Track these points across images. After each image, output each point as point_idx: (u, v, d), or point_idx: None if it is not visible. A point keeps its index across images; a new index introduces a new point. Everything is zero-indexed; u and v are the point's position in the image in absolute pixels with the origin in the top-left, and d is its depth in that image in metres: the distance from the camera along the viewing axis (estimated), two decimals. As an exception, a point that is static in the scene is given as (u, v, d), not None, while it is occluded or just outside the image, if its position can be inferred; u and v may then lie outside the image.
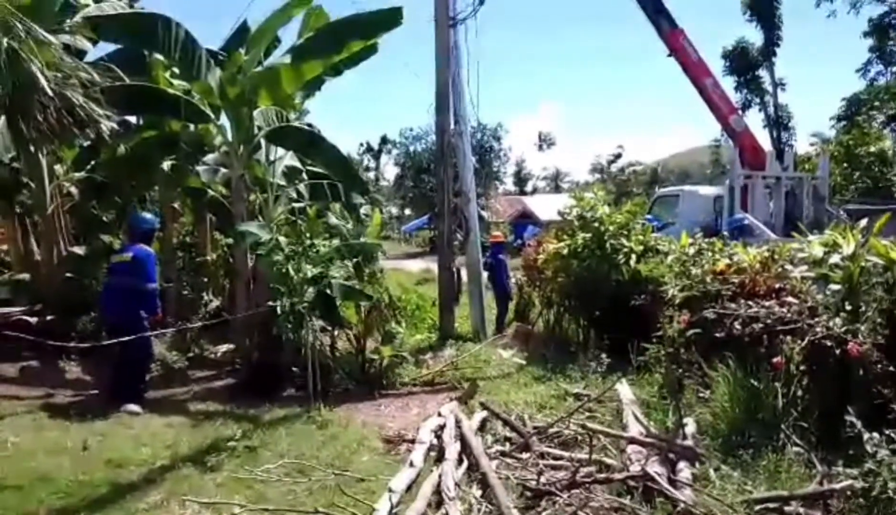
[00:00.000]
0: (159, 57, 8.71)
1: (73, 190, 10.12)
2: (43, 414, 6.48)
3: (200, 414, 6.74)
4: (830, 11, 31.17)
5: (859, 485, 3.84)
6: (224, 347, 9.67)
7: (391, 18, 8.53)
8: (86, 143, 9.62)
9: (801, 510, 3.94)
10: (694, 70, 16.45)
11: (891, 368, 4.84)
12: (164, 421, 6.48)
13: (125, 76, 8.41)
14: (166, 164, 9.87)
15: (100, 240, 10.04)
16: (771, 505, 4.02)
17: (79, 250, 9.47)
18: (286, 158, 9.65)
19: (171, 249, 11.46)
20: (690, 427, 5.30)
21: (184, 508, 4.33)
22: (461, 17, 10.61)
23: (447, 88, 10.41)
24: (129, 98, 8.17)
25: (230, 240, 11.33)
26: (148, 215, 8.44)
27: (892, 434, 3.91)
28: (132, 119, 9.79)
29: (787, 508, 4.00)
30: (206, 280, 11.75)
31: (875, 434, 3.93)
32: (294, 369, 7.78)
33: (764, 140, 24.02)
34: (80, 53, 8.47)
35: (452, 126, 10.54)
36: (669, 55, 16.43)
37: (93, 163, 10.09)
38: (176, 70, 9.01)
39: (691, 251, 7.45)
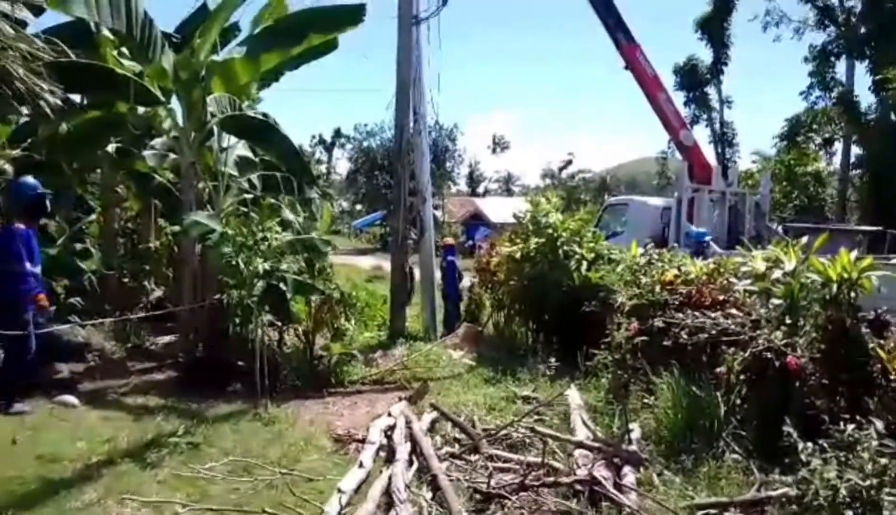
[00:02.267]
0: (107, 34, 8.35)
1: (8, 168, 9.59)
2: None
3: (140, 408, 6.50)
4: (776, 36, 32.61)
5: (793, 493, 4.01)
6: (166, 339, 9.38)
7: (353, 15, 8.42)
8: (23, 120, 9.14)
9: (740, 515, 4.09)
10: (648, 84, 16.89)
11: (825, 381, 5.08)
12: (101, 414, 6.21)
13: (70, 52, 8.05)
14: (111, 147, 9.47)
15: (34, 221, 9.57)
16: (712, 511, 4.16)
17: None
18: (238, 147, 9.40)
19: (112, 235, 11.03)
20: (636, 432, 5.43)
21: (122, 506, 4.16)
22: (424, 15, 10.59)
23: (408, 86, 10.37)
24: (74, 75, 7.76)
25: (176, 229, 11.00)
26: (29, 180, 6.92)
27: (825, 444, 4.10)
28: (76, 97, 9.36)
29: (726, 513, 4.14)
30: (148, 268, 11.36)
31: (809, 444, 4.12)
32: (240, 364, 7.60)
33: (710, 155, 24.83)
34: (21, 24, 8.04)
35: (412, 124, 10.50)
36: (626, 68, 16.81)
37: (30, 140, 9.59)
38: (125, 49, 8.66)
39: (642, 261, 7.63)
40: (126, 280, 11.07)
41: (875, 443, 3.90)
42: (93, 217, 11.21)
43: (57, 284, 9.48)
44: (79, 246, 10.32)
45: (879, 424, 4.08)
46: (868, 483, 3.72)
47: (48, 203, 6.50)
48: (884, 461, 3.79)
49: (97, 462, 4.93)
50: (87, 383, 7.24)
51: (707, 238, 12.74)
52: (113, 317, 8.74)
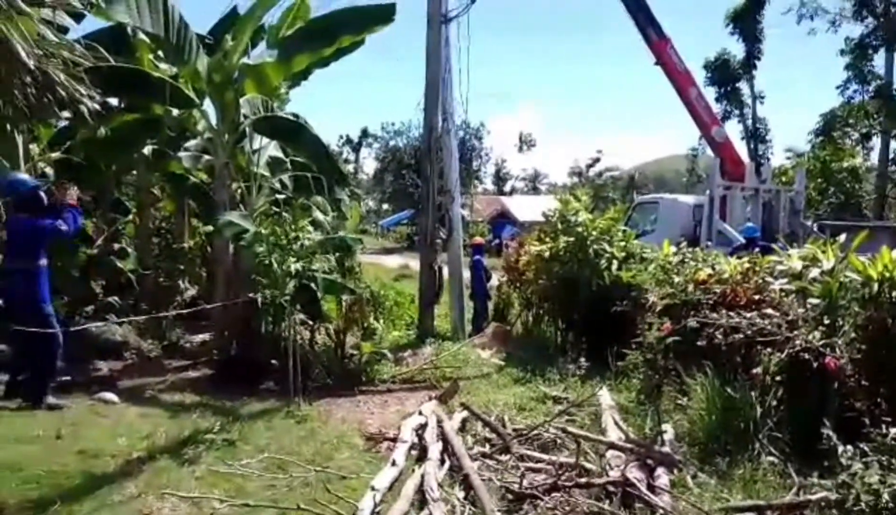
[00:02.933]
0: (144, 38, 8.54)
1: (49, 170, 9.88)
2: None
3: (177, 405, 6.64)
4: (811, 29, 31.86)
5: (834, 497, 3.93)
6: (200, 337, 9.57)
7: (384, 15, 8.48)
8: (63, 123, 9.40)
9: (777, 519, 4.03)
10: (679, 80, 16.65)
11: (865, 383, 4.97)
12: (140, 410, 6.37)
13: (108, 56, 8.25)
14: (147, 148, 9.70)
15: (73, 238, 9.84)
16: (748, 514, 4.10)
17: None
18: (270, 148, 9.54)
19: (147, 235, 11.28)
20: (668, 433, 5.36)
21: (162, 501, 4.26)
22: (452, 14, 10.60)
23: (437, 85, 10.39)
24: (113, 79, 7.98)
25: (209, 229, 11.21)
26: (20, 175, 6.85)
27: (865, 448, 4.01)
28: (113, 100, 9.59)
29: (762, 517, 4.08)
30: (182, 268, 11.59)
31: (849, 447, 4.03)
32: (273, 362, 7.71)
33: (742, 152, 24.40)
34: (62, 30, 8.27)
35: (441, 123, 10.52)
36: (656, 63, 16.60)
37: (69, 143, 9.87)
38: (160, 53, 8.85)
39: (674, 260, 7.53)
40: (161, 279, 11.31)
41: (919, 447, 3.81)
42: (129, 217, 11.49)
43: (95, 284, 9.76)
44: (116, 246, 10.60)
45: (923, 428, 3.97)
46: (912, 488, 3.63)
47: (43, 195, 6.50)
48: (929, 466, 3.71)
49: (137, 457, 5.05)
50: (126, 380, 7.42)
51: (756, 234, 12.53)
52: (149, 316, 8.95)
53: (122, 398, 6.70)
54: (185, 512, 4.19)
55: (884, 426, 4.07)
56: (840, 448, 4.03)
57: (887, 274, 5.00)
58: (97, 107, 7.71)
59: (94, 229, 10.50)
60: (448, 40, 10.52)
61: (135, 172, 10.97)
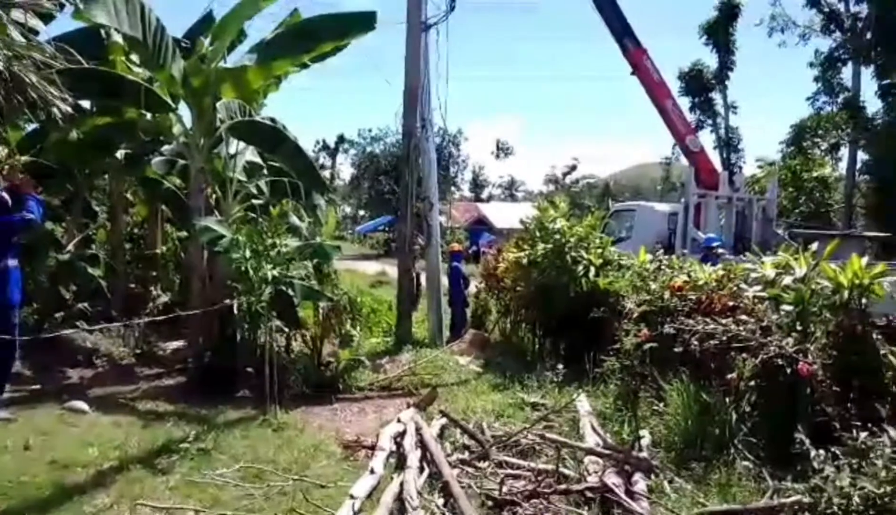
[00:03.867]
0: (118, 40, 8.42)
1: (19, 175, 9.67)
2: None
3: (150, 414, 6.52)
4: (782, 41, 32.62)
5: (807, 500, 4.00)
6: (174, 344, 9.42)
7: (364, 22, 8.46)
8: (32, 127, 9.21)
9: (753, 523, 4.08)
10: (655, 89, 16.89)
11: (836, 388, 5.06)
12: (112, 419, 6.24)
13: (80, 59, 8.10)
14: (120, 153, 9.55)
15: (43, 227, 9.61)
16: (724, 518, 4.14)
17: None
18: (247, 153, 9.45)
19: (119, 240, 11.09)
20: (646, 439, 5.42)
21: (135, 512, 4.17)
22: (431, 21, 10.63)
23: (416, 92, 10.40)
24: (85, 81, 7.84)
25: (183, 234, 11.06)
26: None
27: (837, 452, 4.09)
28: (85, 103, 9.42)
29: (739, 521, 4.13)
30: (155, 274, 11.41)
31: (821, 452, 4.11)
32: (249, 370, 7.62)
33: (715, 161, 24.81)
34: (33, 32, 8.11)
35: (419, 130, 10.52)
36: (633, 73, 16.82)
37: (39, 146, 9.66)
38: (134, 56, 8.72)
39: (651, 267, 7.62)
40: (133, 286, 11.12)
41: (889, 451, 3.89)
42: (100, 223, 11.29)
43: (66, 290, 9.55)
44: (87, 251, 10.40)
45: (893, 432, 4.06)
46: (882, 490, 3.71)
47: (5, 196, 6.28)
48: (897, 469, 3.79)
49: (109, 467, 4.95)
50: (97, 388, 7.27)
51: (716, 243, 12.70)
52: (120, 323, 8.78)
53: (94, 407, 6.55)
54: (159, 523, 4.11)
55: (854, 430, 4.15)
56: (812, 452, 4.11)
57: (857, 282, 5.13)
58: (69, 109, 7.58)
59: (64, 234, 10.29)
60: (427, 47, 10.54)
61: (107, 177, 10.79)
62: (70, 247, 9.96)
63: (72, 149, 8.85)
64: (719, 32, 33.56)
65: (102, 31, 8.37)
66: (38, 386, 6.96)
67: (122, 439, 5.58)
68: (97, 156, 9.20)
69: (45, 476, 4.72)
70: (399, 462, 5.12)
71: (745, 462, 4.85)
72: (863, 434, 4.06)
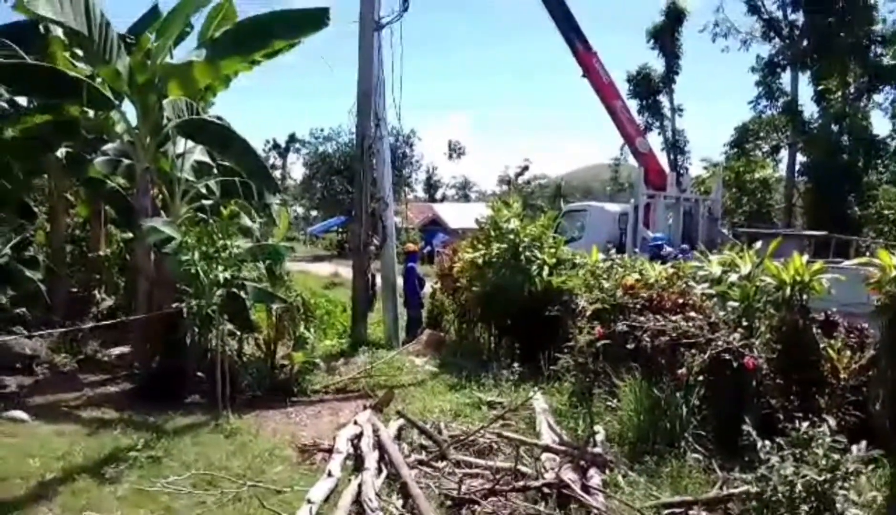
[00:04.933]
0: (59, 35, 8.09)
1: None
2: None
3: (95, 422, 6.27)
4: (725, 47, 33.81)
5: (754, 490, 4.14)
6: (119, 350, 9.10)
7: (317, 19, 8.35)
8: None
9: (704, 513, 4.21)
10: (605, 91, 17.25)
11: (780, 381, 5.28)
12: (54, 428, 5.98)
13: (18, 53, 7.75)
14: (61, 151, 9.16)
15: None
16: (676, 510, 4.26)
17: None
18: (195, 152, 9.21)
19: (60, 242, 10.66)
20: (600, 435, 5.52)
21: (81, 524, 4.01)
22: (385, 21, 10.58)
23: (370, 91, 10.32)
24: (22, 76, 7.52)
25: (128, 236, 10.70)
26: None
27: (781, 442, 4.25)
28: (22, 100, 9.02)
29: (690, 512, 4.25)
30: (98, 277, 11.01)
31: (767, 442, 4.26)
32: (199, 374, 7.42)
33: (663, 162, 25.49)
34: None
35: (373, 130, 10.45)
36: (583, 76, 17.14)
37: (-29, 144, 9.21)
38: (78, 50, 8.39)
39: (603, 265, 7.76)
40: (75, 289, 10.70)
41: (828, 440, 4.06)
42: (38, 224, 10.82)
43: (2, 294, 9.11)
44: (25, 254, 9.94)
45: (831, 421, 4.25)
46: (822, 478, 3.87)
47: None
48: (836, 456, 3.96)
49: (52, 478, 4.75)
50: (37, 397, 6.96)
51: (662, 242, 13.04)
52: (62, 328, 8.43)
53: (34, 416, 6.27)
54: (107, 535, 3.96)
55: (797, 421, 4.32)
56: (759, 443, 4.25)
57: (798, 278, 5.35)
58: (4, 105, 7.25)
59: (-1, 236, 9.83)
60: (381, 47, 10.48)
61: (46, 176, 10.35)
62: (6, 249, 9.51)
63: (7, 148, 8.46)
64: (665, 37, 34.52)
65: (41, 25, 8.03)
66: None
67: (65, 448, 5.35)
68: (35, 154, 8.83)
69: (-20, 490, 4.48)
70: (357, 464, 5.08)
71: (696, 455, 5.01)
72: (804, 425, 4.23)
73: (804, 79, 30.47)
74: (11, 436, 5.71)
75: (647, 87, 35.89)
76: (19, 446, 5.43)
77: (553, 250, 9.23)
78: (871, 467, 4.32)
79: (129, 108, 8.51)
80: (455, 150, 66.46)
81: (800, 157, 30.90)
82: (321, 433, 6.20)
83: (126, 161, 8.94)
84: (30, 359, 8.13)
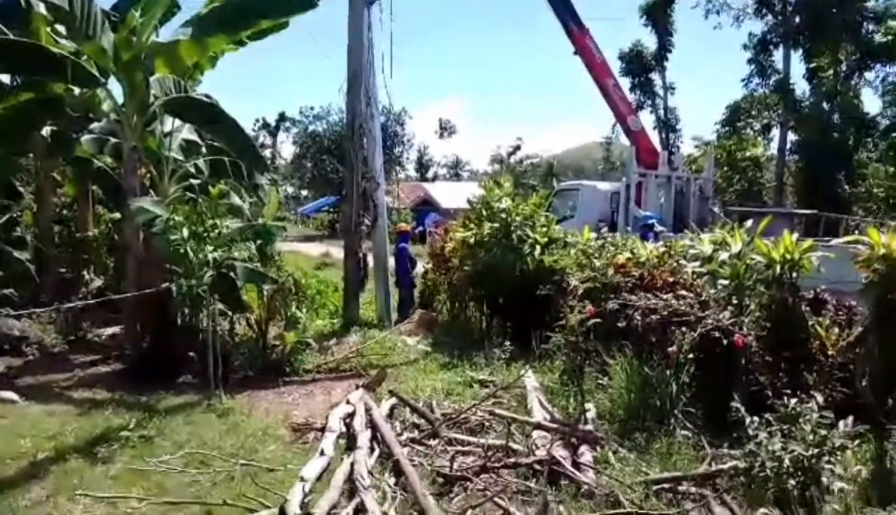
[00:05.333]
0: (42, 11, 7.91)
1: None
2: None
3: (87, 402, 6.27)
4: (717, 24, 33.63)
5: (742, 465, 4.21)
6: (110, 330, 9.08)
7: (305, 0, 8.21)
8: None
9: (693, 489, 4.26)
10: (597, 70, 17.14)
11: (769, 358, 5.32)
12: (45, 408, 5.97)
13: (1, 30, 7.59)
14: (46, 130, 9.02)
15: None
16: (666, 485, 4.31)
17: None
18: (183, 131, 9.10)
19: (47, 223, 10.55)
20: (591, 412, 5.56)
21: (74, 503, 4.01)
22: (376, -3, 10.42)
23: (360, 70, 10.21)
24: (5, 54, 7.37)
25: (116, 216, 10.61)
26: None
27: (770, 418, 4.31)
28: (5, 78, 8.85)
29: (680, 487, 4.30)
30: (87, 257, 10.93)
31: (755, 418, 4.32)
32: (190, 354, 7.41)
33: (655, 140, 25.46)
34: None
35: (364, 109, 10.35)
36: (575, 53, 17.01)
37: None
38: (61, 28, 8.22)
39: (595, 245, 7.77)
40: (64, 269, 10.62)
41: (815, 416, 4.13)
42: (25, 204, 10.70)
43: (-11, 275, 9.05)
44: (13, 234, 9.85)
45: (819, 397, 4.31)
46: (810, 453, 3.94)
47: None
48: (823, 432, 4.03)
49: (44, 458, 4.75)
50: (28, 378, 6.94)
51: (652, 220, 13.06)
52: (51, 309, 8.38)
53: (24, 396, 6.26)
54: (100, 513, 3.96)
55: (785, 397, 4.38)
56: (748, 420, 4.31)
57: (788, 257, 5.37)
58: (-13, 84, 7.11)
59: (-16, 218, 9.72)
60: (371, 24, 10.34)
61: (32, 156, 10.21)
62: (-8, 230, 9.42)
63: (-9, 127, 8.31)
64: (658, 14, 34.26)
65: (23, 0, 7.85)
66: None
67: (57, 429, 5.35)
68: (20, 134, 8.66)
69: (-28, 470, 4.48)
70: (349, 443, 5.10)
71: (685, 432, 5.06)
72: (792, 401, 4.28)
73: (796, 57, 30.40)
74: (2, 417, 5.71)
75: (640, 65, 35.70)
76: (10, 427, 5.43)
77: (545, 229, 9.22)
78: (857, 442, 4.38)
79: (115, 87, 8.38)
80: (445, 129, 66.14)
81: (791, 136, 30.92)
82: (314, 412, 6.21)
83: (113, 140, 8.84)
84: (19, 340, 8.11)
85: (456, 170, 72.29)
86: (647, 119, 35.24)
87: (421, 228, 31.91)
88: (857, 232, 11.24)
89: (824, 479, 3.92)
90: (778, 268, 5.41)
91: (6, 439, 5.10)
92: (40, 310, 8.27)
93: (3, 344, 7.92)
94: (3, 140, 8.76)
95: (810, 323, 5.41)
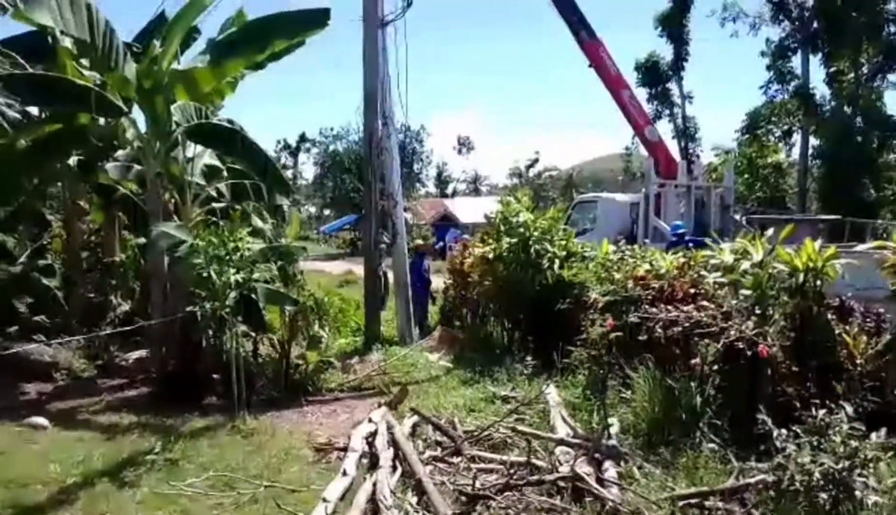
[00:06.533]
0: (67, 45, 8.15)
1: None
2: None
3: (113, 427, 6.36)
4: (733, 32, 33.40)
5: (770, 479, 4.12)
6: (136, 354, 9.19)
7: (318, 19, 8.37)
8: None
9: (720, 504, 4.18)
10: (612, 81, 17.11)
11: (795, 368, 5.22)
12: (74, 434, 6.06)
13: (27, 64, 7.83)
14: (73, 159, 9.26)
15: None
16: (692, 501, 4.24)
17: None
18: (205, 156, 9.27)
19: (75, 249, 10.77)
20: (614, 427, 5.50)
21: (101, 528, 4.07)
22: (389, 18, 10.57)
23: (375, 89, 10.33)
24: (33, 87, 7.60)
25: (142, 241, 10.80)
26: None
27: (798, 430, 4.22)
28: (34, 110, 9.12)
29: (706, 503, 4.22)
30: (114, 282, 11.12)
31: (783, 431, 4.23)
32: (215, 376, 7.50)
33: (674, 150, 25.29)
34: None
35: (381, 127, 10.46)
36: (590, 66, 17.01)
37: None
38: (85, 59, 8.47)
39: (614, 257, 7.72)
40: (92, 295, 10.82)
41: (845, 427, 4.03)
42: (54, 232, 10.96)
43: (20, 302, 9.25)
44: (41, 262, 10.08)
45: (849, 408, 4.21)
46: (840, 465, 3.84)
47: None
48: (854, 443, 3.93)
49: (72, 483, 4.82)
50: (57, 403, 7.06)
51: (683, 229, 12.97)
52: (80, 335, 8.54)
53: (54, 422, 6.36)
54: (127, 538, 4.01)
55: (813, 408, 4.28)
56: (775, 432, 4.22)
57: (811, 264, 5.29)
58: (16, 115, 7.33)
59: (15, 245, 9.96)
60: (385, 44, 10.48)
61: (59, 184, 10.47)
62: (22, 258, 9.65)
63: (20, 157, 8.53)
64: (673, 23, 34.15)
65: (49, 35, 8.10)
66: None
67: (84, 453, 5.42)
68: (48, 163, 8.89)
69: (2, 495, 4.56)
70: (372, 462, 5.10)
71: (711, 445, 4.96)
72: (821, 412, 4.19)
73: (815, 61, 30.04)
74: (33, 443, 5.81)
75: (656, 75, 35.52)
76: (40, 452, 5.52)
77: (563, 243, 9.20)
78: (890, 453, 4.25)
79: (138, 115, 8.58)
80: (464, 145, 66.45)
81: (813, 141, 30.48)
82: (337, 431, 6.24)
83: (137, 167, 9.04)
84: (49, 366, 8.25)
85: (475, 185, 72.47)
86: (665, 129, 34.99)
87: (441, 244, 31.97)
88: (884, 236, 11.02)
89: (857, 493, 3.81)
90: (801, 277, 5.32)
91: (37, 464, 5.19)
92: (70, 338, 8.42)
93: (34, 370, 8.08)
94: (33, 170, 9.01)
95: (837, 331, 5.31)
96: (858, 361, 5.10)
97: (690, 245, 9.73)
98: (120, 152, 9.36)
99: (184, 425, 6.41)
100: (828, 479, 3.85)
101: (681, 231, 12.75)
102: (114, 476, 4.96)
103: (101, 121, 8.95)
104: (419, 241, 16.16)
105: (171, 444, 5.69)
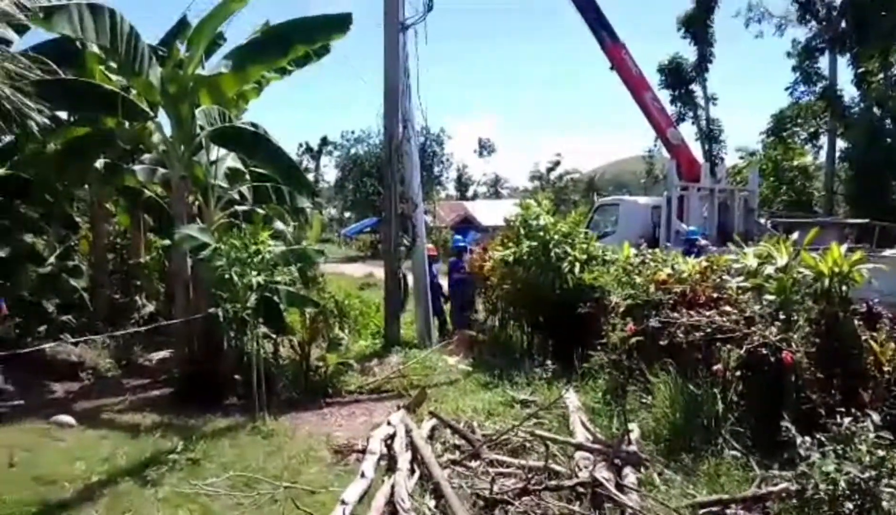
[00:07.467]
0: (94, 50, 8.31)
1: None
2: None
3: (137, 426, 6.46)
4: (758, 32, 32.93)
5: (794, 487, 4.04)
6: (160, 354, 9.35)
7: (340, 24, 8.44)
8: (7, 139, 9.09)
9: (742, 512, 4.12)
10: (634, 84, 16.98)
11: (820, 375, 5.12)
12: (98, 433, 6.18)
13: (57, 69, 7.99)
14: (100, 162, 9.45)
15: (22, 241, 9.51)
16: (714, 509, 4.18)
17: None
18: (228, 159, 9.38)
19: (101, 251, 10.98)
20: (635, 432, 5.45)
21: (124, 526, 4.14)
22: (409, 22, 10.61)
23: (396, 93, 10.37)
24: (62, 92, 7.75)
25: (167, 243, 10.97)
26: None
27: (822, 438, 4.14)
28: (62, 114, 9.31)
29: (727, 511, 4.17)
30: (139, 283, 11.32)
31: (807, 438, 4.15)
32: (236, 377, 7.58)
33: (697, 153, 25.00)
34: (5, 43, 8.00)
35: (401, 131, 10.50)
36: (612, 68, 16.90)
37: (15, 158, 9.54)
38: (112, 64, 8.63)
39: (635, 261, 7.66)
40: (117, 296, 11.01)
41: (872, 435, 3.94)
42: (81, 233, 11.18)
43: (48, 303, 9.45)
44: (69, 263, 10.29)
45: (875, 416, 4.12)
46: (867, 475, 3.76)
47: None
48: (881, 453, 3.84)
49: (96, 481, 4.91)
50: (83, 402, 7.19)
51: (696, 236, 12.79)
52: (105, 334, 8.69)
53: (79, 420, 6.48)
54: (149, 536, 4.07)
55: (839, 415, 4.20)
56: (798, 440, 4.15)
57: (837, 269, 5.18)
58: (46, 121, 7.47)
59: (44, 247, 10.18)
60: (406, 48, 10.52)
61: (87, 187, 10.68)
62: (51, 259, 9.86)
63: (49, 161, 8.74)
64: (697, 25, 33.77)
65: (77, 42, 8.27)
66: (21, 402, 6.87)
67: (109, 452, 5.53)
68: (76, 166, 9.07)
69: (30, 493, 4.66)
70: (390, 464, 5.12)
71: (733, 452, 4.89)
72: (847, 420, 4.11)
73: (843, 62, 29.47)
74: (59, 441, 5.93)
75: (680, 77, 35.10)
76: (66, 450, 5.63)
77: (584, 246, 9.15)
78: (918, 463, 4.15)
79: (164, 119, 8.73)
80: (485, 148, 66.39)
81: (840, 143, 29.91)
82: (355, 433, 6.26)
83: (162, 170, 9.19)
84: (76, 366, 8.42)
85: (495, 188, 72.36)
86: (688, 131, 34.58)
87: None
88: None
89: (885, 504, 3.72)
90: (826, 282, 5.22)
91: (63, 462, 5.30)
92: (96, 337, 8.58)
93: (61, 369, 8.24)
94: (61, 173, 9.21)
95: (864, 337, 5.20)
96: (886, 368, 4.98)
97: (693, 252, 9.64)
98: (145, 156, 9.55)
99: (205, 425, 6.49)
100: (853, 489, 3.77)
101: (693, 237, 12.60)
102: (137, 474, 5.05)
103: (128, 124, 9.12)
104: (430, 246, 16.12)
105: (192, 444, 5.77)
